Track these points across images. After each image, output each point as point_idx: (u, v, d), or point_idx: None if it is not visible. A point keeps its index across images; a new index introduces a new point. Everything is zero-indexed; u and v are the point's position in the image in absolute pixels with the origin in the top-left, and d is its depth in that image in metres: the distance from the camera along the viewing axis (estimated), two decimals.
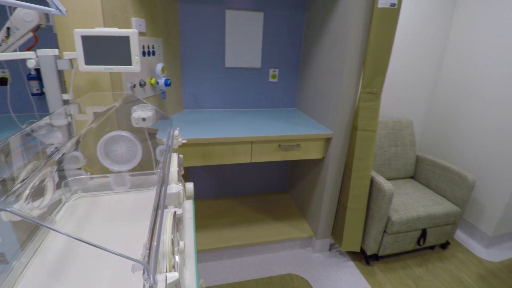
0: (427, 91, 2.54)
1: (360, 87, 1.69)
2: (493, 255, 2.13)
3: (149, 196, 1.13)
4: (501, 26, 2.01)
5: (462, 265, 2.01)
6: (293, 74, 2.27)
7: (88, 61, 1.06)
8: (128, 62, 1.07)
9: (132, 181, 1.17)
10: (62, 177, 1.04)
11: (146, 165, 1.23)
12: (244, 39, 2.06)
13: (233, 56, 2.09)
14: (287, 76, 2.26)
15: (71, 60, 1.13)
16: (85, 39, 1.03)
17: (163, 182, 0.78)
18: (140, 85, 1.60)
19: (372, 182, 1.87)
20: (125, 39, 1.04)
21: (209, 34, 2.00)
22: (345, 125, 1.77)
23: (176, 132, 1.19)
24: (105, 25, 1.25)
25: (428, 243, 2.04)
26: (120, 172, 1.14)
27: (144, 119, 1.07)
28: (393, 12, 1.52)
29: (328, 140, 1.82)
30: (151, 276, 0.44)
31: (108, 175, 1.13)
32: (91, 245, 0.45)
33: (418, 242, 1.99)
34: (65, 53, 1.12)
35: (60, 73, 1.14)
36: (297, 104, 2.36)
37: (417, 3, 2.19)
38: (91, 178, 1.12)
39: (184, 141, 1.22)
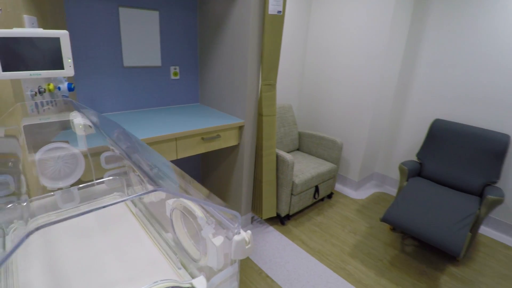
0: (298, 79, 3.18)
1: (260, 80, 2.02)
2: (361, 194, 2.99)
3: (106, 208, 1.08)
4: (345, 23, 2.77)
5: (344, 206, 2.74)
6: (194, 71, 2.39)
7: (6, 67, 0.91)
8: (60, 66, 0.98)
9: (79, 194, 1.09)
10: None
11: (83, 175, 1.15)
12: (141, 38, 2.03)
13: (132, 55, 2.02)
14: (188, 73, 2.36)
15: None
16: (1, 42, 0.89)
17: None
18: (40, 92, 1.39)
19: (277, 156, 2.28)
20: (55, 41, 0.96)
21: (103, 32, 1.86)
22: (253, 113, 2.07)
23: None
24: None
25: (321, 196, 2.65)
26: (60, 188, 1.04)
27: (91, 126, 1.01)
28: (280, 18, 1.89)
29: (241, 128, 2.08)
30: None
31: (52, 193, 1.02)
32: None
33: (314, 197, 2.56)
34: None
35: None
36: (200, 99, 2.50)
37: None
38: (31, 201, 0.98)
39: None
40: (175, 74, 2.29)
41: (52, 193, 1.00)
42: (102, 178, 1.14)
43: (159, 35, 2.11)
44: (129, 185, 1.17)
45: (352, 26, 2.70)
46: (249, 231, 0.60)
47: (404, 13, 2.59)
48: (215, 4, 2.06)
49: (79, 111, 1.03)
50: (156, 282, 0.61)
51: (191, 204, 0.71)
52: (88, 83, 1.90)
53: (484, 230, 2.55)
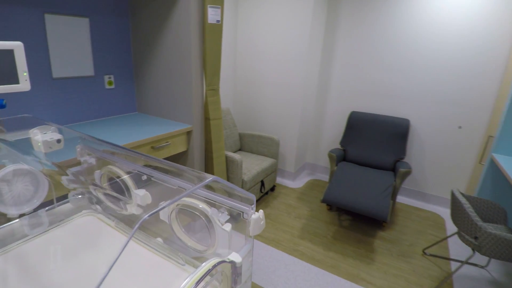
0: (231, 83, 3.33)
1: (205, 86, 2.10)
2: (298, 183, 3.31)
3: (77, 227, 1.03)
4: (269, 29, 3.03)
5: (286, 196, 3.00)
6: (129, 79, 2.30)
7: None
8: (14, 80, 0.91)
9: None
10: None
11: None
12: (71, 47, 1.88)
13: (62, 65, 1.86)
14: (124, 81, 2.26)
15: None
16: None
17: None
18: None
19: (226, 157, 2.39)
20: (8, 53, 0.89)
21: (28, 42, 1.67)
22: (200, 118, 2.13)
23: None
24: None
25: (266, 189, 2.86)
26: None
27: (59, 141, 0.96)
28: (219, 27, 2.01)
29: (189, 133, 2.12)
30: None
31: (17, 220, 0.93)
32: None
33: (261, 190, 2.75)
34: None
35: None
36: (137, 108, 2.42)
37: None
38: None
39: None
40: (110, 83, 2.17)
41: (17, 220, 0.92)
42: (66, 197, 1.08)
43: (91, 43, 1.98)
44: (97, 202, 1.13)
45: (276, 31, 2.99)
46: (261, 210, 0.72)
47: (320, 22, 2.99)
48: (150, 12, 2.04)
49: (41, 126, 0.96)
50: (204, 263, 0.63)
51: (196, 201, 0.79)
52: (14, 98, 1.68)
53: (399, 198, 3.14)
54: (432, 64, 2.71)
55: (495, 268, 2.15)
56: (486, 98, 2.59)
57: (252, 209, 0.69)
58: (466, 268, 2.13)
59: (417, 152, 2.98)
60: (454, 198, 1.90)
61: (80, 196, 1.07)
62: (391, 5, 2.75)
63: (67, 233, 0.97)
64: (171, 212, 0.85)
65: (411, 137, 2.96)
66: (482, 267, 2.16)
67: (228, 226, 0.75)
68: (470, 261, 2.22)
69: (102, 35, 2.04)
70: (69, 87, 1.94)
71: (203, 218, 0.78)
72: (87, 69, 2.01)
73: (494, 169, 2.34)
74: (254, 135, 3.04)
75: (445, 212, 2.90)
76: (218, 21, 1.98)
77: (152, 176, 0.90)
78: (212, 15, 1.93)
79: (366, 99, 3.10)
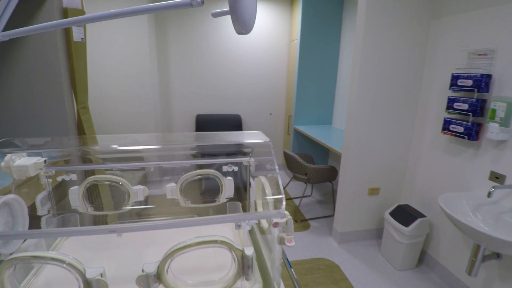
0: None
1: (75, 105, 2.01)
2: None
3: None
4: (111, 48, 3.03)
5: None
6: None
7: None
8: None
9: None
10: None
11: None
12: None
13: None
14: None
15: None
16: None
17: None
18: None
19: None
20: None
21: None
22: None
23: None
24: None
25: None
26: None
27: (46, 161, 0.94)
28: (84, 44, 1.99)
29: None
30: None
31: None
32: None
33: None
34: None
35: None
36: None
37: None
38: None
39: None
40: None
41: None
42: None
43: None
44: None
45: (117, 52, 3.06)
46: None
47: (153, 41, 3.33)
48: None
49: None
50: (216, 236, 0.73)
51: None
52: None
53: None
54: (246, 71, 3.76)
55: (315, 195, 3.44)
56: (282, 92, 3.94)
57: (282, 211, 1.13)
58: (303, 200, 3.29)
59: None
60: (286, 154, 2.93)
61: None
62: (204, 24, 3.54)
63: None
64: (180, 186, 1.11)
65: (244, 127, 3.93)
66: (309, 196, 3.40)
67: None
68: (305, 194, 3.42)
69: None
70: None
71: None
72: None
73: (296, 134, 3.67)
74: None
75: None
76: (82, 39, 1.97)
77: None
78: (77, 33, 1.91)
79: (204, 102, 3.77)
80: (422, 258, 2.31)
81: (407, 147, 2.40)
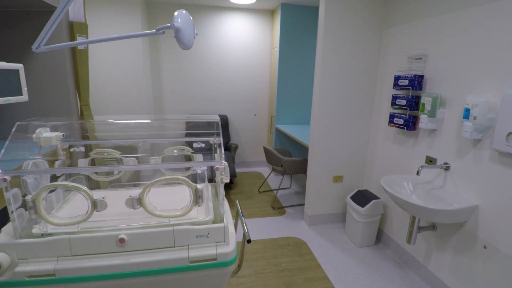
0: None
1: (79, 102, 2.36)
2: None
3: None
4: (106, 58, 3.40)
5: None
6: None
7: None
8: (19, 93, 1.19)
9: None
10: None
11: None
12: None
13: None
14: None
15: None
16: None
17: None
18: None
19: None
20: (15, 72, 1.17)
21: None
22: None
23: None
24: None
25: None
26: None
27: (63, 135, 1.28)
28: (86, 52, 2.35)
29: None
30: None
31: None
32: None
33: None
34: None
35: None
36: None
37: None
38: None
39: None
40: None
41: None
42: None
43: None
44: None
45: (114, 57, 3.43)
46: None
47: (147, 48, 3.70)
48: (19, 38, 2.07)
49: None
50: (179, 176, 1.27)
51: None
52: None
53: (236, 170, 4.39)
54: (232, 75, 4.14)
55: (294, 188, 3.79)
56: (265, 94, 4.31)
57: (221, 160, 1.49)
58: (282, 191, 3.64)
59: (236, 135, 4.36)
60: (265, 149, 3.29)
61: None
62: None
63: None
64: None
65: (231, 126, 4.30)
66: (289, 188, 3.75)
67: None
68: (282, 187, 3.76)
69: None
70: None
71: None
72: None
73: (278, 133, 4.03)
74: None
75: (261, 170, 4.44)
76: (85, 47, 2.33)
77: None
78: None
79: (195, 103, 4.14)
80: (380, 237, 2.65)
81: (366, 139, 2.76)
